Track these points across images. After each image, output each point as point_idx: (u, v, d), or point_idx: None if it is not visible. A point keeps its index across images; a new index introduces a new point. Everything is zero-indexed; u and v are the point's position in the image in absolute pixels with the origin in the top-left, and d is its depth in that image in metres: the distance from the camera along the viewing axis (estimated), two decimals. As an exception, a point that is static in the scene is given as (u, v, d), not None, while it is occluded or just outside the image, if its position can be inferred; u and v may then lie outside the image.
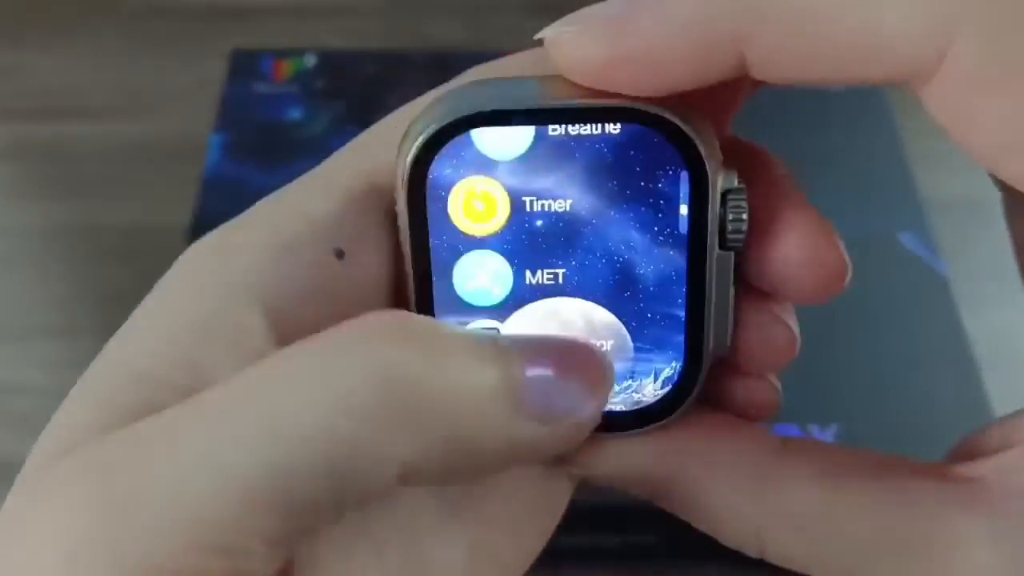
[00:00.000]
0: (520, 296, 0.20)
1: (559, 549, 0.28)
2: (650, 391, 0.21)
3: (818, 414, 0.42)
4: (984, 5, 0.16)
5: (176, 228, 0.49)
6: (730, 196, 0.19)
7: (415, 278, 0.20)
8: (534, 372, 0.18)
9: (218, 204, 0.49)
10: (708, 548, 0.29)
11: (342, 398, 0.16)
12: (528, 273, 0.20)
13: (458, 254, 0.20)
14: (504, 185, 0.19)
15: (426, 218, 0.19)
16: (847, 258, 0.19)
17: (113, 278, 0.54)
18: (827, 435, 0.42)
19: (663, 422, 0.21)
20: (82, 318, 0.53)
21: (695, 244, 0.19)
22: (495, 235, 0.20)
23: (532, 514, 0.23)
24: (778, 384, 0.21)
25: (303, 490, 0.16)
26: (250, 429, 0.16)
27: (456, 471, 0.18)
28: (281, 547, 0.17)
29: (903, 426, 0.42)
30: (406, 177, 0.19)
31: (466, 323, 0.21)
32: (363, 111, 0.54)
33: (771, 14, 0.17)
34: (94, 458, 0.17)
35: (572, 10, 0.19)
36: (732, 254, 0.20)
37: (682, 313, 0.20)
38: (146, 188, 0.58)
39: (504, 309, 0.20)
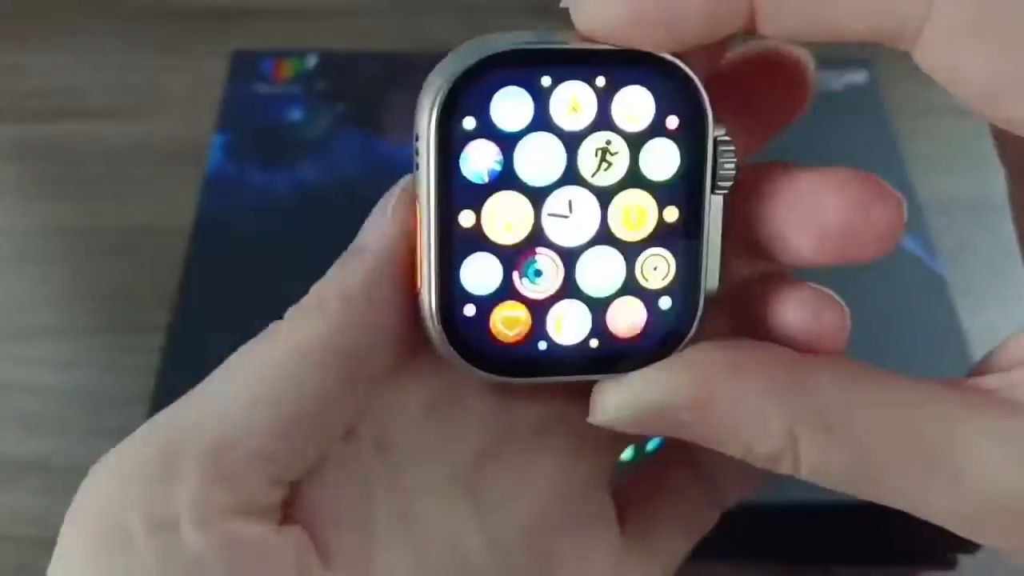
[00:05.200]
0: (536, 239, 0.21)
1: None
2: None
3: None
4: None
5: (177, 228, 0.49)
6: (720, 143, 0.21)
7: (438, 223, 0.20)
8: None
9: (219, 204, 0.49)
10: (712, 546, 0.29)
11: None
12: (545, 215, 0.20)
13: (483, 198, 0.20)
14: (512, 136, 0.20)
15: (451, 165, 0.20)
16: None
17: (114, 278, 0.54)
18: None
19: (670, 356, 0.21)
20: (82, 318, 0.53)
21: (694, 184, 0.21)
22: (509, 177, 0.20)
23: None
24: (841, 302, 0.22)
25: None
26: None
27: None
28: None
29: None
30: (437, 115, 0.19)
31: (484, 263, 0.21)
32: (364, 112, 0.54)
33: None
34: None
35: (571, 11, 0.20)
36: (722, 199, 0.21)
37: (678, 249, 0.21)
38: (147, 188, 0.58)
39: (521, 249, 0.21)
